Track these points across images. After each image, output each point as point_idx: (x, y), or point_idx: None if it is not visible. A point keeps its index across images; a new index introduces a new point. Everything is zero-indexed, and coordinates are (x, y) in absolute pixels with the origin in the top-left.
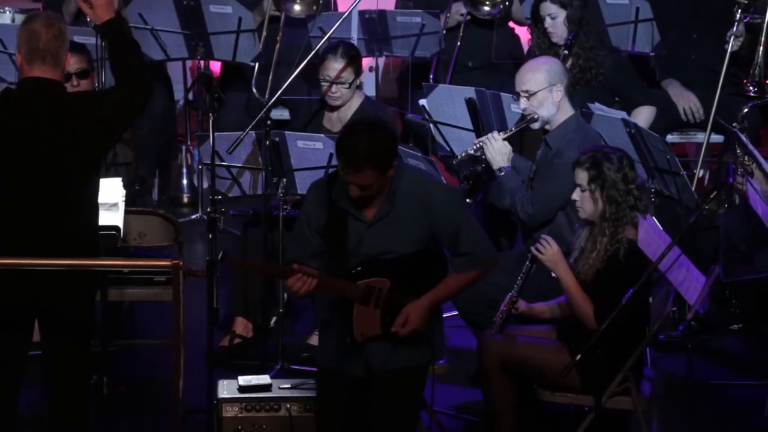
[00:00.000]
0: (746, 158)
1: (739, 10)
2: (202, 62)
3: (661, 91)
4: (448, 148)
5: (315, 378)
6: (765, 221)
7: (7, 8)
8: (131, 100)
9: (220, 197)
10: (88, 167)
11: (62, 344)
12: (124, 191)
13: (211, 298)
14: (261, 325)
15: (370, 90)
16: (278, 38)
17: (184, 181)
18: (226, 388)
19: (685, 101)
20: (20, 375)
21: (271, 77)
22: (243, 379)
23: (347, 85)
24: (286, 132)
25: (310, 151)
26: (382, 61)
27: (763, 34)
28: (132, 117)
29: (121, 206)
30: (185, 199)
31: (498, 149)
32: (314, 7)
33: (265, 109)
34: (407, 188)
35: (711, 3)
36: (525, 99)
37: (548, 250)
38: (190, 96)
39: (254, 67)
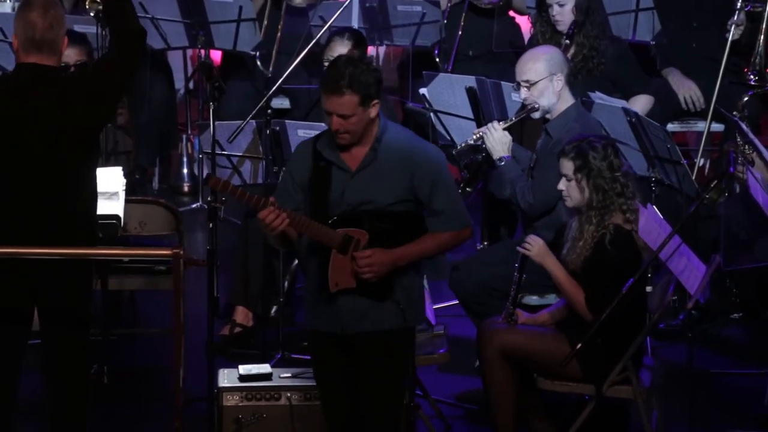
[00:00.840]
0: (747, 147)
1: None
2: (202, 51)
3: (662, 80)
4: (448, 137)
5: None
6: (765, 210)
7: None
8: (127, 54)
9: None
10: (85, 152)
11: (61, 334)
12: (124, 180)
13: (212, 287)
14: (261, 314)
15: None
16: (279, 27)
17: (185, 170)
18: (226, 377)
19: (686, 90)
20: (19, 364)
21: (272, 65)
22: (243, 368)
23: None
24: (286, 121)
25: None
26: (382, 50)
27: (764, 22)
28: (127, 79)
29: (122, 195)
30: (186, 188)
31: (498, 139)
32: None
33: (265, 99)
34: (392, 140)
35: None
36: (525, 89)
37: (534, 246)
38: (191, 85)
39: (256, 54)
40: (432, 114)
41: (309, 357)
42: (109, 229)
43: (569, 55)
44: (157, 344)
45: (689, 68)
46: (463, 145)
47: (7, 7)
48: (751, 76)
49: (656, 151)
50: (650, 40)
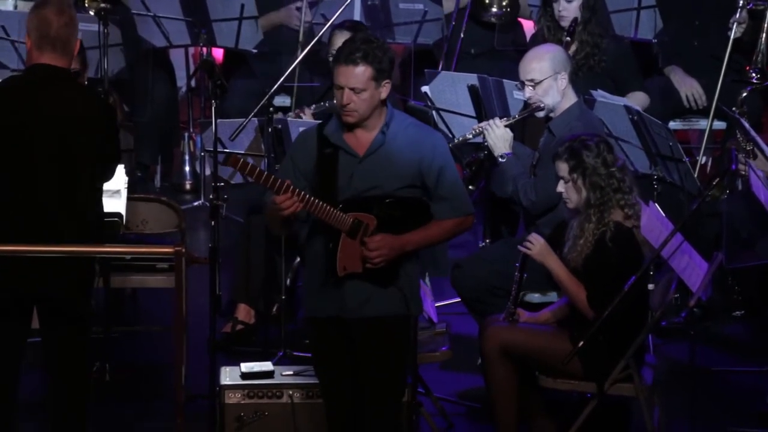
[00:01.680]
0: (748, 144)
1: None
2: (204, 49)
3: (664, 78)
4: (450, 135)
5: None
6: (767, 207)
7: None
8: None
9: (222, 184)
10: (94, 154)
11: (61, 332)
12: (126, 178)
13: (214, 285)
14: (263, 311)
15: None
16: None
17: (187, 168)
18: (228, 375)
19: (688, 88)
20: (19, 363)
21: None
22: (245, 366)
23: None
24: (288, 119)
25: None
26: None
27: (766, 20)
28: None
29: (124, 193)
30: (188, 186)
31: (500, 136)
32: None
33: (267, 97)
34: (399, 125)
35: None
36: (530, 88)
37: (535, 245)
38: (193, 83)
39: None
40: (434, 112)
41: (311, 355)
42: (111, 227)
43: (570, 52)
44: (159, 342)
45: (691, 66)
46: (460, 139)
47: (9, 5)
48: (753, 74)
49: (658, 149)
50: (652, 38)
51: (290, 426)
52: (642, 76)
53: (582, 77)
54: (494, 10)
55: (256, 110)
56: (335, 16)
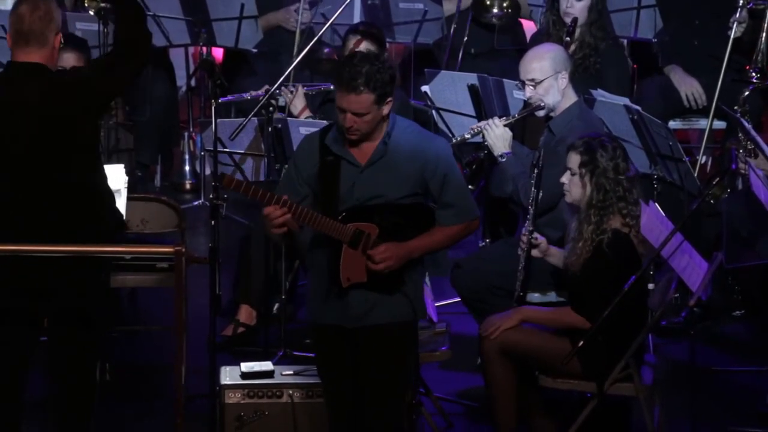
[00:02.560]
0: (749, 144)
1: None
2: (204, 48)
3: (664, 77)
4: (450, 135)
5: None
6: (767, 207)
7: None
8: (133, 58)
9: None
10: (79, 149)
11: (66, 333)
12: (126, 178)
13: (214, 285)
14: (263, 312)
15: None
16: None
17: (187, 168)
18: (228, 375)
19: (688, 87)
20: (27, 364)
21: None
22: (245, 366)
23: None
24: (288, 118)
25: None
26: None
27: (766, 20)
28: (127, 82)
29: (124, 193)
30: (188, 186)
31: (499, 135)
32: None
33: (267, 96)
34: (401, 134)
35: None
36: (531, 87)
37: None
38: (193, 82)
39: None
40: (434, 111)
41: (311, 354)
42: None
43: (570, 51)
44: (159, 341)
45: (691, 65)
46: (459, 138)
47: (8, 4)
48: (753, 74)
49: (658, 149)
50: (652, 37)
51: (290, 426)
52: (627, 83)
53: (577, 77)
54: (495, 11)
55: (256, 110)
56: (335, 16)
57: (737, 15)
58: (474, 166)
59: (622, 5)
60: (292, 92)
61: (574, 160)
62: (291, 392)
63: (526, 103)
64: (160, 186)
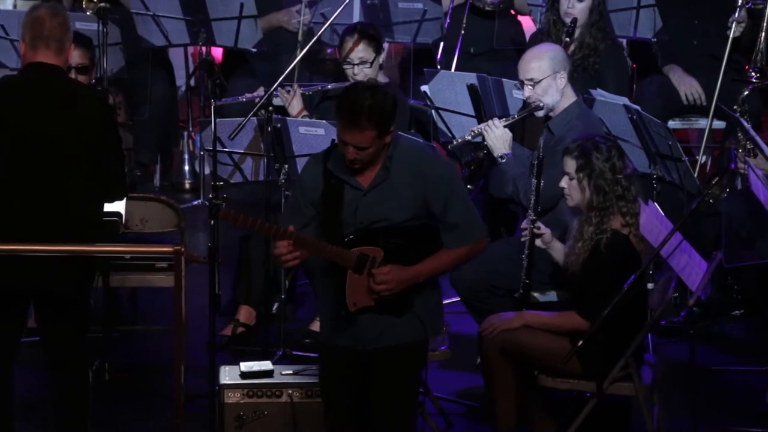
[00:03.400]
0: (748, 144)
1: None
2: (203, 48)
3: (663, 77)
4: (450, 134)
5: (318, 356)
6: (767, 207)
7: None
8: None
9: (221, 183)
10: (89, 152)
11: (59, 330)
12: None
13: (213, 284)
14: (263, 311)
15: None
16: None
17: (186, 167)
18: (228, 374)
19: (687, 87)
20: (14, 360)
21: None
22: (245, 365)
23: (368, 65)
24: (288, 118)
25: (312, 137)
26: (384, 47)
27: (765, 19)
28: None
29: None
30: (187, 185)
31: (499, 136)
32: None
33: (266, 95)
34: (402, 156)
35: None
36: (529, 87)
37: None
38: (192, 82)
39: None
40: (433, 111)
41: (310, 354)
42: (111, 226)
43: (569, 52)
44: (159, 341)
45: (690, 65)
46: (459, 140)
47: (9, 4)
48: (753, 74)
49: (657, 148)
50: (651, 37)
51: (290, 425)
52: (627, 84)
53: (577, 78)
54: None
55: (255, 109)
56: (334, 16)
57: (736, 15)
58: (473, 166)
59: (621, 5)
60: (289, 92)
61: (570, 164)
62: (290, 392)
63: (525, 103)
64: (160, 186)
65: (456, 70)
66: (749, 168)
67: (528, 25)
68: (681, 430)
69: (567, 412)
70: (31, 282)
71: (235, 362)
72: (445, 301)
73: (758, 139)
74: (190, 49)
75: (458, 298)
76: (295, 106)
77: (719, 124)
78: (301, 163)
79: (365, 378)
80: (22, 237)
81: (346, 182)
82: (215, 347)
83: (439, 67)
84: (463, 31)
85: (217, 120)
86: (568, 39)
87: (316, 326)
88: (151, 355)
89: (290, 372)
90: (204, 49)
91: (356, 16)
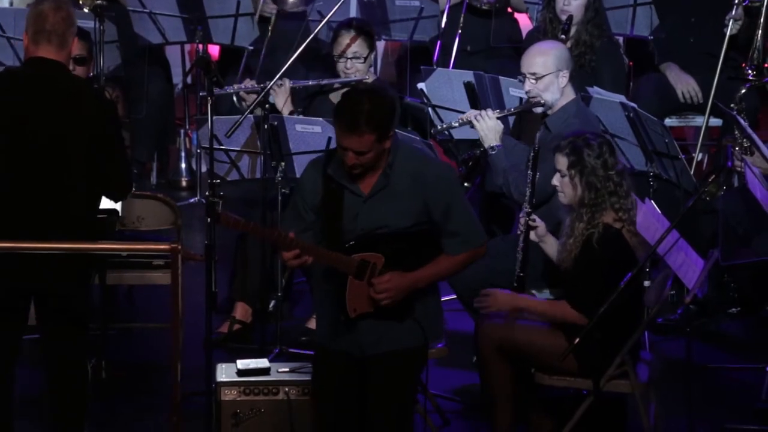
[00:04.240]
0: (745, 141)
1: None
2: (200, 46)
3: (660, 75)
4: (446, 132)
5: (312, 358)
6: (764, 205)
7: None
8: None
9: (218, 181)
10: (91, 150)
11: (58, 328)
12: None
13: (210, 282)
14: (260, 309)
15: None
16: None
17: (183, 165)
18: (224, 372)
19: (684, 84)
20: (14, 359)
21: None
22: (241, 363)
23: (362, 60)
24: (284, 115)
25: (309, 135)
26: (380, 44)
27: (762, 17)
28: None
29: None
30: (184, 183)
31: (491, 127)
32: None
33: (263, 93)
34: (403, 162)
35: None
36: (531, 81)
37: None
38: (189, 80)
39: (253, 50)
40: (430, 109)
41: (307, 352)
42: (108, 224)
43: None
44: (155, 339)
45: (687, 63)
46: (445, 125)
47: (5, 2)
48: (749, 71)
49: (654, 146)
50: (648, 34)
51: (286, 423)
52: (623, 86)
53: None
54: None
55: (252, 107)
56: (331, 13)
57: (733, 12)
58: (470, 164)
59: (618, 3)
60: (280, 86)
61: (561, 162)
62: (287, 389)
63: (526, 99)
64: (156, 183)
65: (453, 67)
66: (746, 166)
67: (525, 22)
68: (677, 428)
69: (564, 410)
70: (31, 280)
71: (232, 360)
72: (441, 299)
73: (755, 136)
74: (187, 47)
75: (455, 296)
76: (279, 101)
77: (716, 122)
78: (297, 160)
79: (361, 383)
80: (19, 233)
81: (346, 188)
82: (212, 345)
83: (435, 64)
84: (460, 29)
85: (214, 117)
86: (564, 36)
87: (312, 324)
88: (147, 353)
89: (287, 369)
90: (201, 46)
91: (353, 14)
